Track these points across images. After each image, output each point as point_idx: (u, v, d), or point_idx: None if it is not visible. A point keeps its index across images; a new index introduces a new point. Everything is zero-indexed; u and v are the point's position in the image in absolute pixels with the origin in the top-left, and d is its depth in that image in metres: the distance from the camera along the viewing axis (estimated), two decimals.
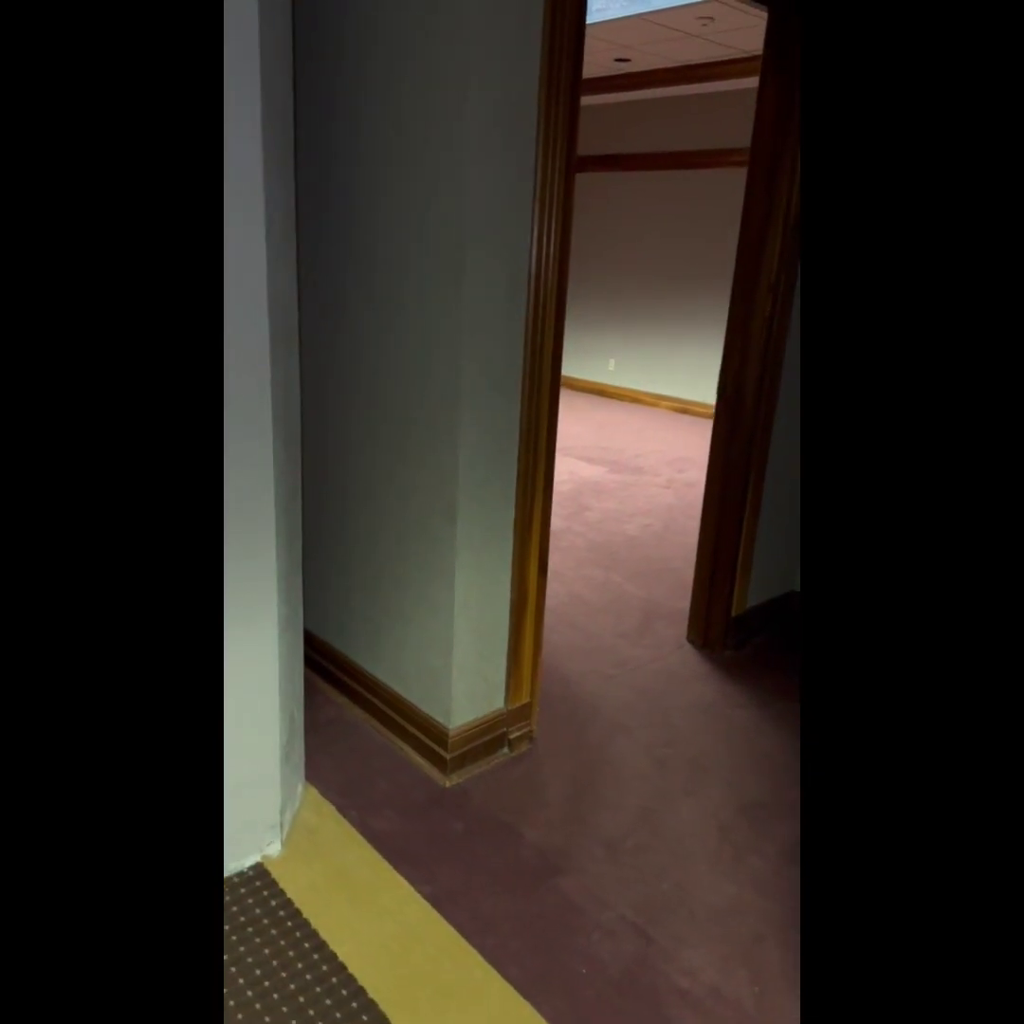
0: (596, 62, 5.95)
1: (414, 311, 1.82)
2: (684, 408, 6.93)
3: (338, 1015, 1.39)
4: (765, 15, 2.33)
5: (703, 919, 1.64)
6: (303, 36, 1.93)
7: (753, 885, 1.73)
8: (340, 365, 2.08)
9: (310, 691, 2.29)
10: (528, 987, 1.47)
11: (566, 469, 5.03)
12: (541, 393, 1.90)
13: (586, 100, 6.67)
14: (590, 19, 4.99)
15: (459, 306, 1.71)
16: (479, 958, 1.52)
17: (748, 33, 4.91)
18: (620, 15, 4.95)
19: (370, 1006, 1.41)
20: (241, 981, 1.44)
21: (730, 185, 6.02)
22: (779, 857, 1.81)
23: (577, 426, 6.27)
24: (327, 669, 2.35)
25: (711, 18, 4.72)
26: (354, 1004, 1.42)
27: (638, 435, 6.11)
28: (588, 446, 5.66)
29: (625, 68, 6.05)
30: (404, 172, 1.77)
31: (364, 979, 1.46)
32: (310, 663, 2.38)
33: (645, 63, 5.90)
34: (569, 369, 7.78)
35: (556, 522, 3.99)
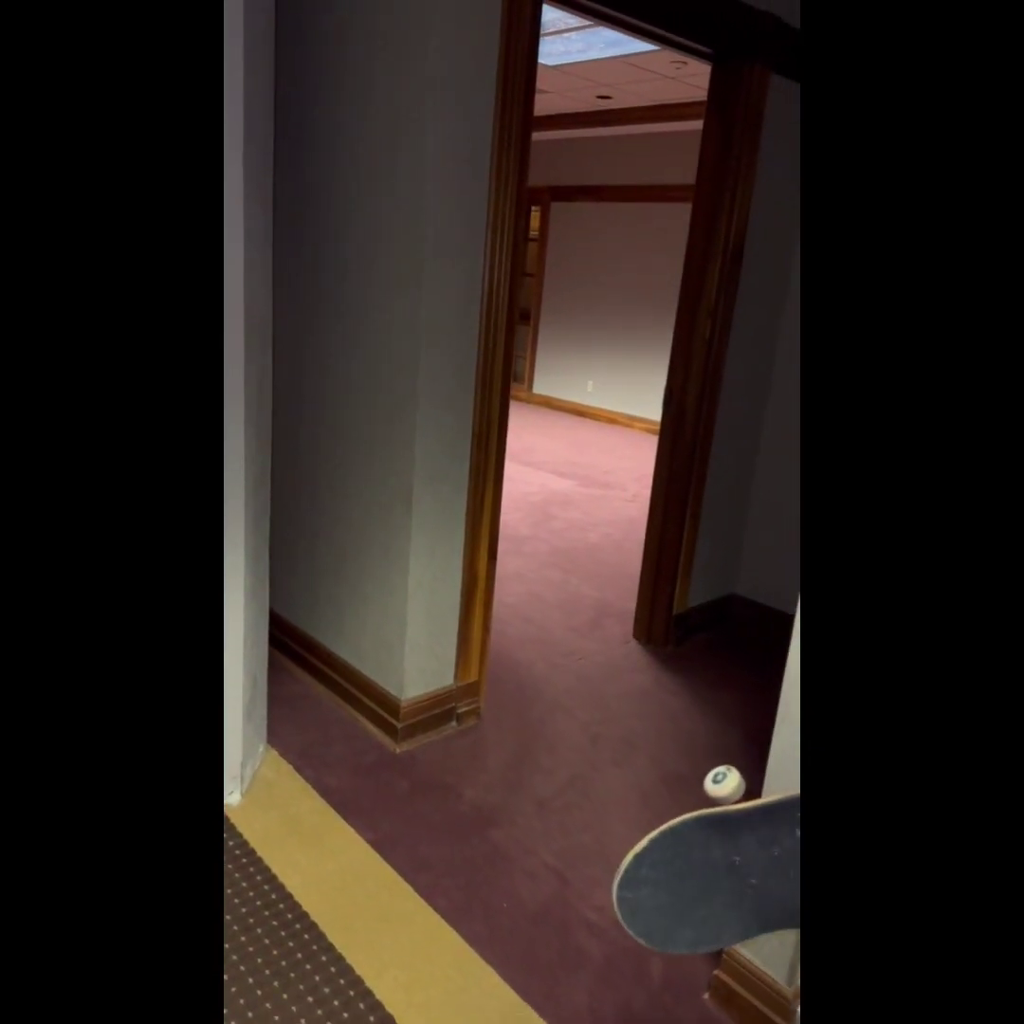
0: (580, 98, 6.27)
1: (379, 320, 2.04)
2: (656, 430, 7.17)
3: (283, 934, 1.58)
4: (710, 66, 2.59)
5: (616, 867, 1.83)
6: (284, 66, 2.17)
7: None
8: (311, 368, 2.29)
9: (278, 669, 2.48)
10: (453, 916, 1.66)
11: (538, 482, 5.25)
12: (492, 397, 2.12)
13: (570, 133, 6.99)
14: (572, 59, 5.30)
15: (419, 317, 1.93)
16: (412, 892, 1.71)
17: None
18: (601, 56, 5.25)
19: (312, 927, 1.60)
20: None
21: None
22: None
23: (553, 443, 6.51)
24: (293, 649, 2.54)
25: (684, 62, 5.03)
26: (297, 926, 1.60)
27: (610, 453, 6.35)
28: (561, 461, 5.89)
29: (607, 105, 6.37)
30: (374, 198, 2.00)
31: (309, 907, 1.65)
32: (279, 644, 2.56)
33: (625, 101, 6.22)
34: (549, 389, 8.03)
35: (523, 529, 4.21)
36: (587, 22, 2.66)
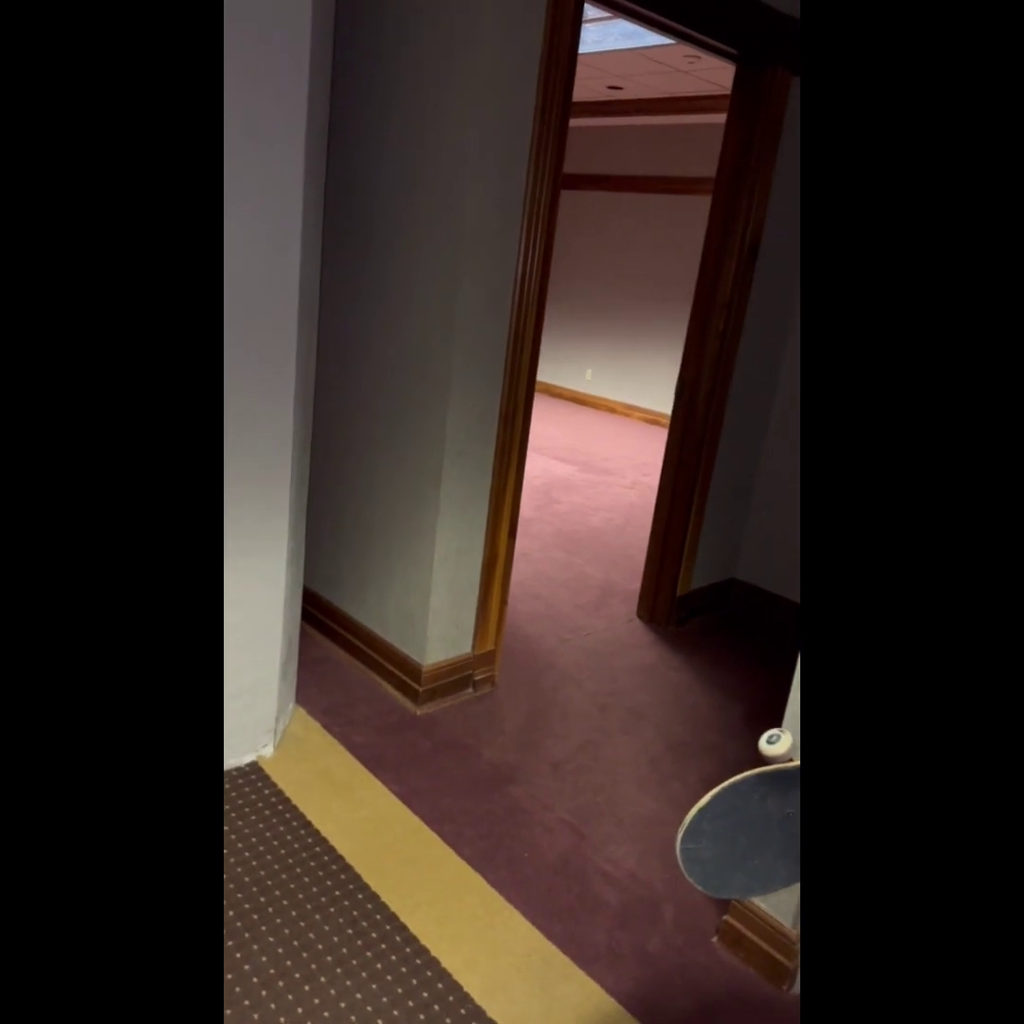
0: (591, 88, 6.32)
1: (418, 303, 2.13)
2: (654, 420, 7.29)
3: (320, 873, 1.69)
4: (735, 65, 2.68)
5: (628, 824, 1.96)
6: (339, 59, 2.24)
7: (673, 804, 2.05)
8: (350, 346, 2.38)
9: (301, 635, 2.57)
10: (478, 863, 1.77)
11: (540, 467, 5.35)
12: (520, 380, 2.22)
13: (579, 122, 7.04)
14: (587, 50, 5.36)
15: (454, 301, 2.02)
16: (438, 840, 1.82)
17: (730, 72, 5.31)
18: (615, 48, 5.32)
19: (347, 868, 1.71)
20: (240, 846, 1.72)
21: (706, 211, 6.41)
22: (698, 784, 2.13)
23: (553, 429, 6.61)
24: (316, 617, 2.64)
25: (697, 57, 5.11)
26: (334, 867, 1.71)
27: (609, 441, 6.46)
28: (562, 447, 5.99)
29: (617, 95, 6.43)
30: (416, 186, 2.08)
31: (343, 850, 1.76)
32: (302, 613, 2.66)
33: (636, 92, 6.29)
34: (548, 376, 8.12)
35: (527, 512, 4.31)
36: (607, 14, 2.74)
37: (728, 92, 5.88)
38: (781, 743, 1.09)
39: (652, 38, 4.91)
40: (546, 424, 6.76)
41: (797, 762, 1.09)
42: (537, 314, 2.19)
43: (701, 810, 1.04)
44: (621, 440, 6.55)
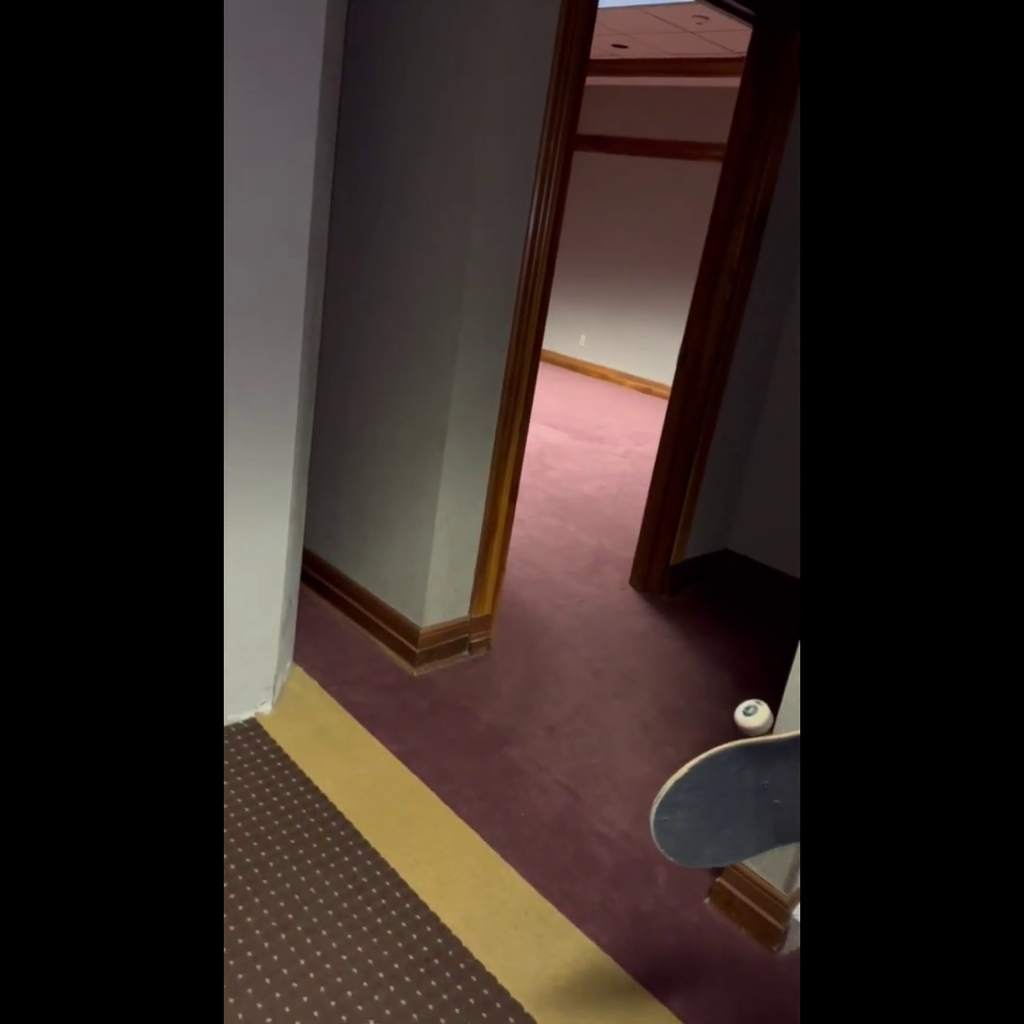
0: (594, 45, 6.17)
1: (428, 262, 2.09)
2: (648, 388, 7.27)
3: (320, 830, 1.70)
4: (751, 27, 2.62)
5: (623, 787, 1.98)
6: (357, 18, 2.17)
7: (665, 767, 2.09)
8: (358, 303, 2.33)
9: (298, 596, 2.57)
10: (476, 821, 1.79)
11: (533, 433, 5.32)
12: (526, 344, 2.19)
13: None
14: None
15: (466, 261, 1.98)
16: (437, 799, 1.84)
17: (740, 35, 5.20)
18: (622, 4, 5.19)
19: (347, 825, 1.73)
20: (239, 801, 1.73)
21: (710, 178, 6.33)
22: (690, 748, 2.17)
23: (547, 395, 6.57)
24: (314, 577, 2.63)
25: (706, 17, 5.00)
26: (333, 823, 1.73)
27: (602, 409, 6.44)
28: (555, 414, 5.97)
29: (622, 54, 6.29)
30: (431, 144, 2.03)
31: (342, 808, 1.77)
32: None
33: (641, 52, 6.15)
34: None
35: (521, 477, 4.30)
36: None
37: (737, 55, 5.78)
38: (758, 715, 1.08)
39: None
40: (539, 391, 6.71)
41: (777, 734, 1.09)
42: (546, 278, 2.16)
43: (678, 782, 1.02)
44: (615, 408, 6.52)
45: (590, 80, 6.90)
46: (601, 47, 6.18)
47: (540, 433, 5.33)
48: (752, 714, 1.10)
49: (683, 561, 3.09)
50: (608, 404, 6.65)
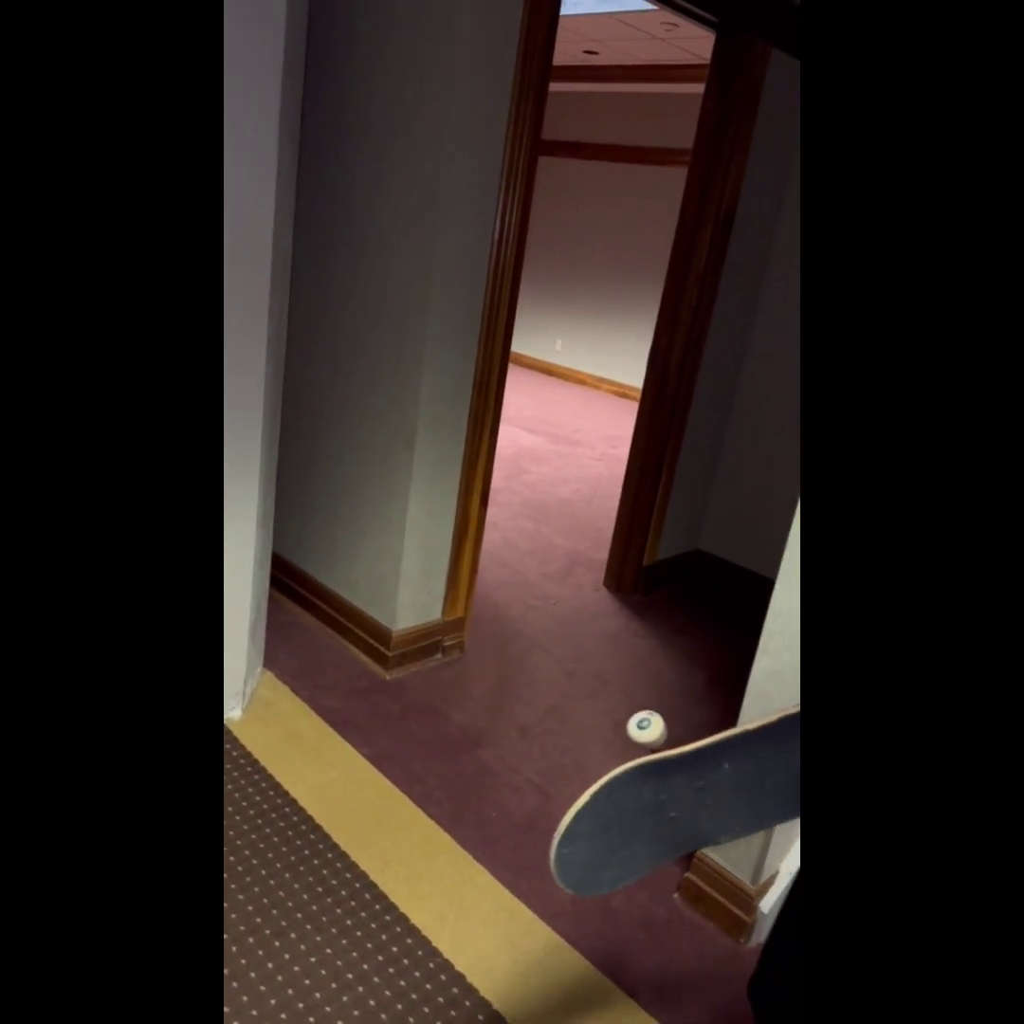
0: (566, 52, 6.22)
1: (396, 265, 2.10)
2: (623, 392, 7.31)
3: (290, 834, 1.70)
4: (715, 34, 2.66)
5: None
6: (321, 17, 2.17)
7: None
8: (326, 304, 2.34)
9: (269, 602, 2.56)
10: (447, 823, 1.80)
11: (508, 437, 5.34)
12: (495, 345, 2.21)
13: (553, 86, 6.93)
14: (564, 11, 5.26)
15: (432, 265, 2.00)
16: (408, 801, 1.85)
17: (708, 42, 5.26)
18: (592, 11, 5.24)
19: (317, 829, 1.72)
20: None
21: (682, 183, 6.39)
22: (663, 747, 2.18)
23: (522, 399, 6.59)
24: (285, 582, 2.63)
25: (675, 24, 5.06)
26: (303, 827, 1.72)
27: (578, 412, 6.47)
28: (530, 418, 5.99)
29: (593, 60, 6.34)
30: (398, 146, 2.04)
31: (313, 811, 1.77)
32: (272, 580, 2.64)
33: (612, 58, 6.21)
34: (517, 346, 8.08)
35: (496, 481, 4.31)
36: None
37: (705, 62, 5.84)
38: (652, 728, 1.04)
39: (630, 2, 4.84)
40: (515, 394, 6.73)
41: (681, 749, 1.01)
42: (513, 280, 2.17)
43: (579, 811, 0.95)
44: (590, 412, 6.56)
45: (563, 86, 6.95)
46: (573, 53, 6.23)
47: (516, 437, 5.35)
48: (646, 727, 1.06)
49: (656, 562, 3.11)
50: (584, 408, 6.69)
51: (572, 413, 6.41)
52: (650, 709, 1.10)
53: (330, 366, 2.34)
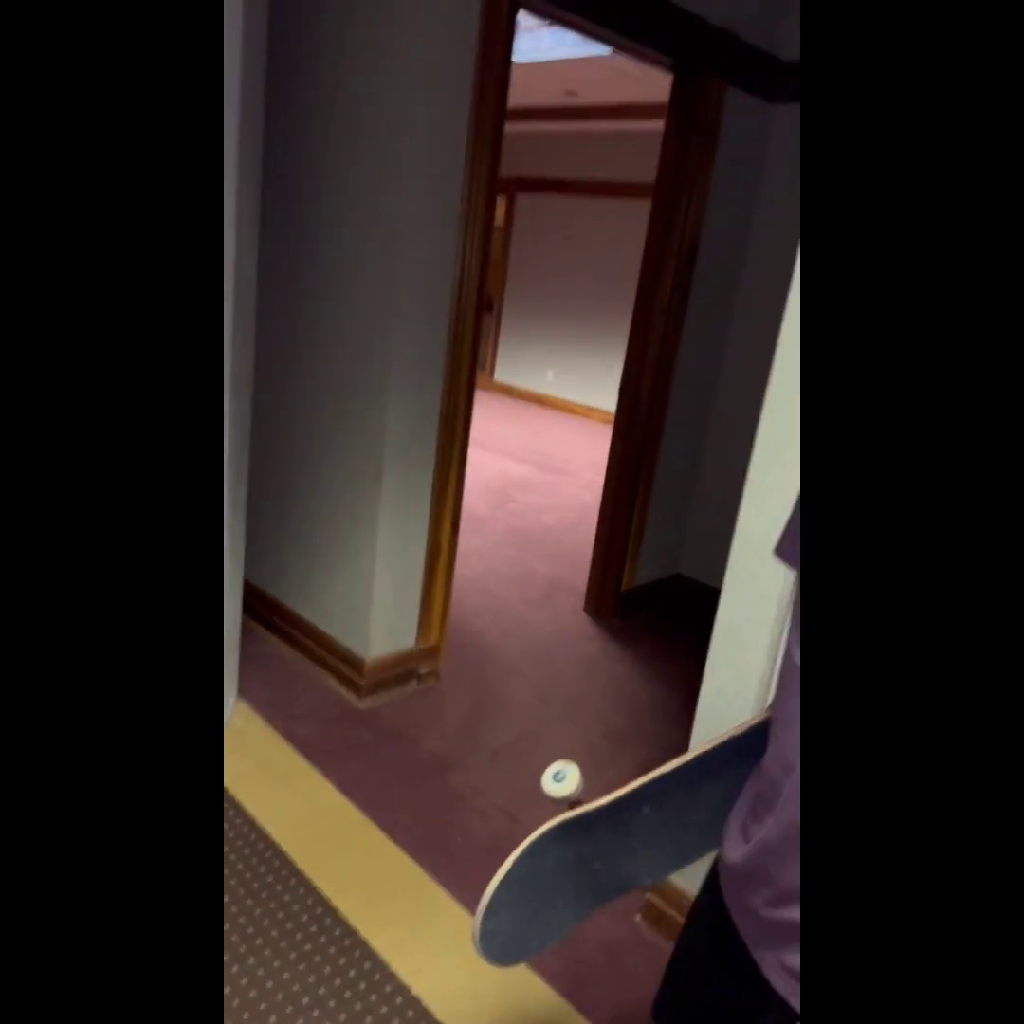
0: (548, 93, 6.40)
1: (358, 302, 2.17)
2: (613, 421, 7.38)
3: (255, 861, 1.72)
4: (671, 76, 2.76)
5: (562, 808, 2.01)
6: (282, 62, 2.27)
7: (607, 790, 2.11)
8: (294, 343, 2.41)
9: (244, 630, 2.60)
10: (413, 848, 1.81)
11: (498, 467, 5.41)
12: (459, 379, 2.27)
13: (537, 126, 7.12)
14: (543, 56, 5.43)
15: (394, 301, 2.06)
16: (374, 827, 1.86)
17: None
18: (570, 55, 5.40)
19: (281, 855, 1.74)
20: None
21: None
22: (633, 769, 2.20)
23: (513, 430, 6.67)
24: (261, 613, 2.66)
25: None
26: (268, 853, 1.74)
27: (568, 441, 6.54)
28: (520, 448, 6.05)
29: (574, 101, 6.52)
30: (355, 186, 2.12)
31: (278, 838, 1.79)
32: (247, 608, 2.68)
33: (592, 98, 6.38)
34: (510, 378, 8.18)
35: (481, 511, 4.36)
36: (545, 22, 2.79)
37: None
38: (568, 780, 0.98)
39: (588, 48, 4.99)
40: (506, 425, 6.82)
41: (599, 801, 0.97)
42: (475, 314, 2.24)
43: (503, 880, 0.88)
44: (580, 440, 6.63)
45: (546, 125, 7.13)
46: (554, 94, 6.40)
47: (505, 467, 5.41)
48: (562, 780, 1.00)
49: (634, 586, 3.14)
50: (574, 437, 6.75)
51: (562, 442, 6.47)
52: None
53: (300, 400, 2.40)
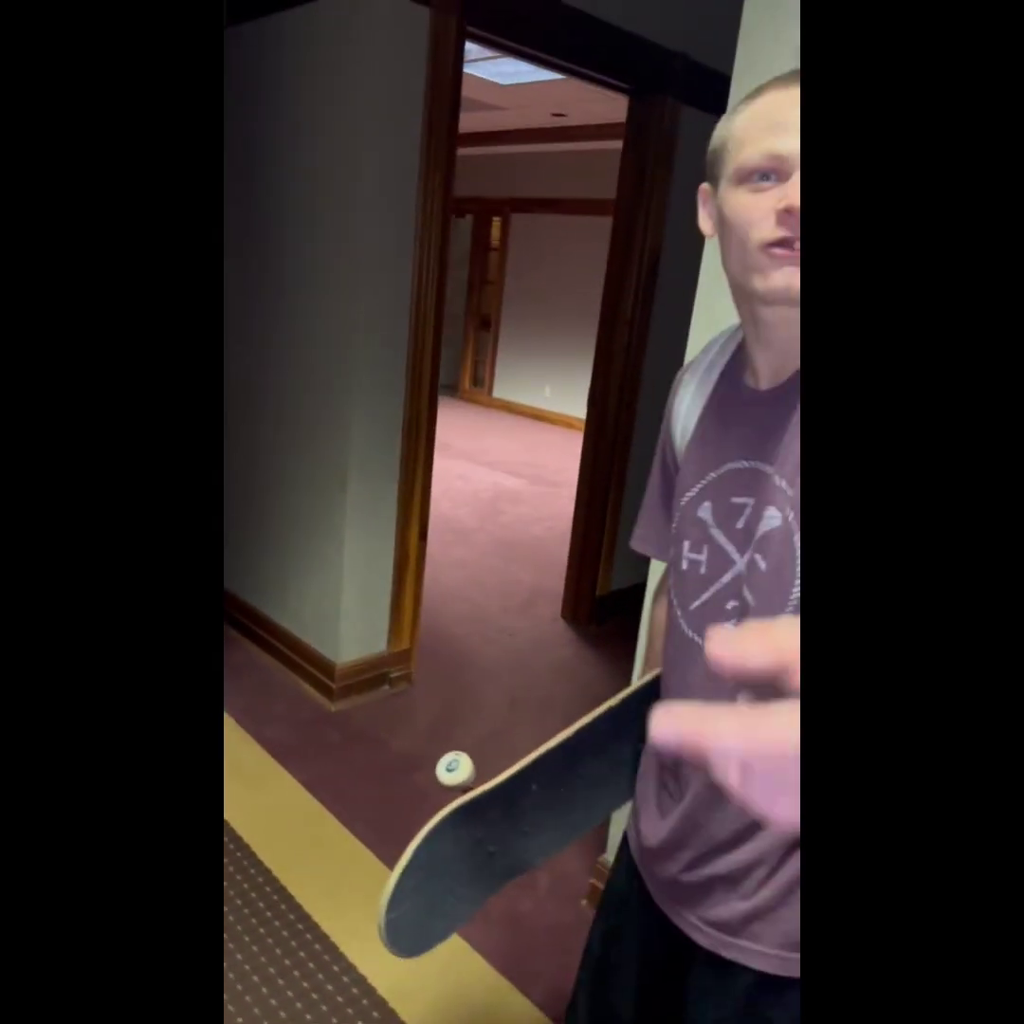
0: (535, 116, 6.56)
1: (321, 319, 2.28)
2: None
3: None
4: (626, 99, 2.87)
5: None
6: (244, 95, 2.41)
7: None
8: (260, 361, 2.52)
9: (226, 640, 2.70)
10: (371, 841, 1.89)
11: (490, 481, 5.50)
12: (421, 392, 2.37)
13: (528, 148, 7.29)
14: (526, 79, 5.58)
15: (353, 318, 2.17)
16: (337, 822, 1.94)
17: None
18: (553, 78, 5.55)
19: (245, 848, 1.83)
20: None
21: None
22: None
23: (509, 445, 6.77)
24: (240, 621, 2.76)
25: None
26: (232, 846, 1.83)
27: (563, 455, 6.62)
28: (515, 462, 6.15)
29: (561, 122, 6.67)
30: (317, 213, 2.24)
31: (242, 832, 1.87)
32: (228, 618, 2.78)
33: (579, 119, 6.53)
34: (509, 394, 8.30)
35: (470, 523, 4.45)
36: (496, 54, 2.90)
37: None
38: (460, 770, 1.01)
39: (549, 74, 5.13)
40: (502, 440, 6.92)
41: (489, 784, 1.00)
42: (435, 329, 2.34)
43: (403, 870, 0.88)
44: (575, 453, 6.66)
45: (535, 147, 7.30)
46: (541, 116, 6.56)
47: (498, 481, 5.51)
48: (454, 769, 1.02)
49: (609, 592, 3.21)
50: (569, 449, 6.83)
51: (557, 455, 6.56)
52: (458, 750, 1.04)
53: (272, 418, 2.51)
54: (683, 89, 2.79)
